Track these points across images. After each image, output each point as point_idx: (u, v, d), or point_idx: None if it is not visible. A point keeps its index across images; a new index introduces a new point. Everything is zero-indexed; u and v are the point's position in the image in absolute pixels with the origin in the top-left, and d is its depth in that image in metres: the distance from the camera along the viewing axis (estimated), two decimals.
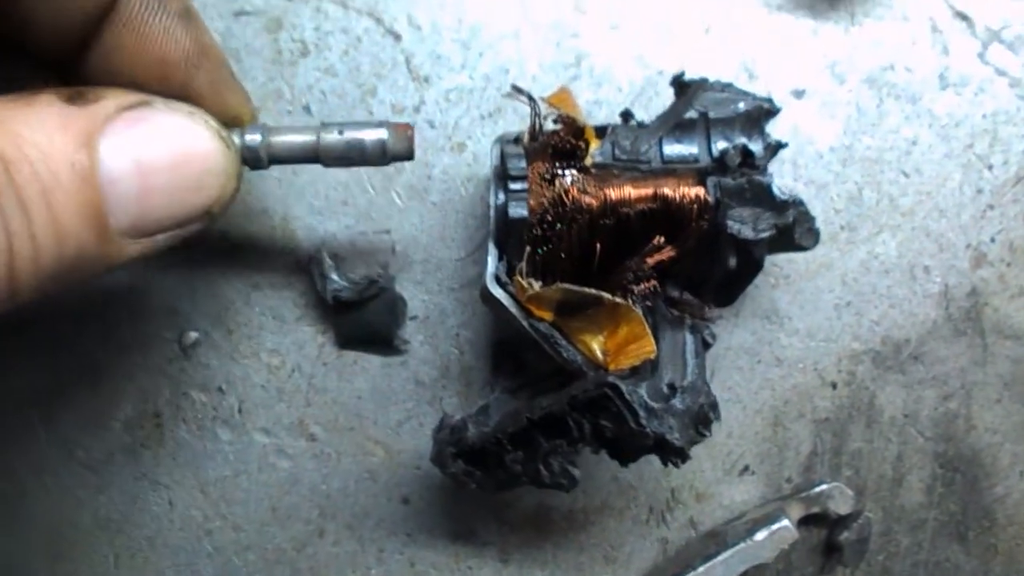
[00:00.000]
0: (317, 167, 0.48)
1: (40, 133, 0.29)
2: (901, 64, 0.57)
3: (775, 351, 0.57)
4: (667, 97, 0.53)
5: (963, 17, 0.57)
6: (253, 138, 0.41)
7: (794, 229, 0.46)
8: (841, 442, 0.57)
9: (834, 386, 0.57)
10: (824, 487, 0.56)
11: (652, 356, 0.44)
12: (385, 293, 0.53)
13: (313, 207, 0.55)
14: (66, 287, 0.31)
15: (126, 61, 0.37)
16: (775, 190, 0.46)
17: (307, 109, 0.55)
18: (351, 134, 0.43)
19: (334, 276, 0.53)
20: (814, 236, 0.47)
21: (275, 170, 0.53)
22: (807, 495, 0.56)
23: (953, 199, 0.57)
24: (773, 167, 0.52)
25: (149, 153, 0.32)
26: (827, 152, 0.57)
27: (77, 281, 0.32)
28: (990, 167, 0.57)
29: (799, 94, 0.57)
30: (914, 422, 0.57)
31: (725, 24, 0.56)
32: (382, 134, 0.43)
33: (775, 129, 0.54)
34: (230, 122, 0.41)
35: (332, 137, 0.42)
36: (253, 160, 0.42)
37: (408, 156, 0.44)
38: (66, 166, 0.29)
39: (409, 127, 0.44)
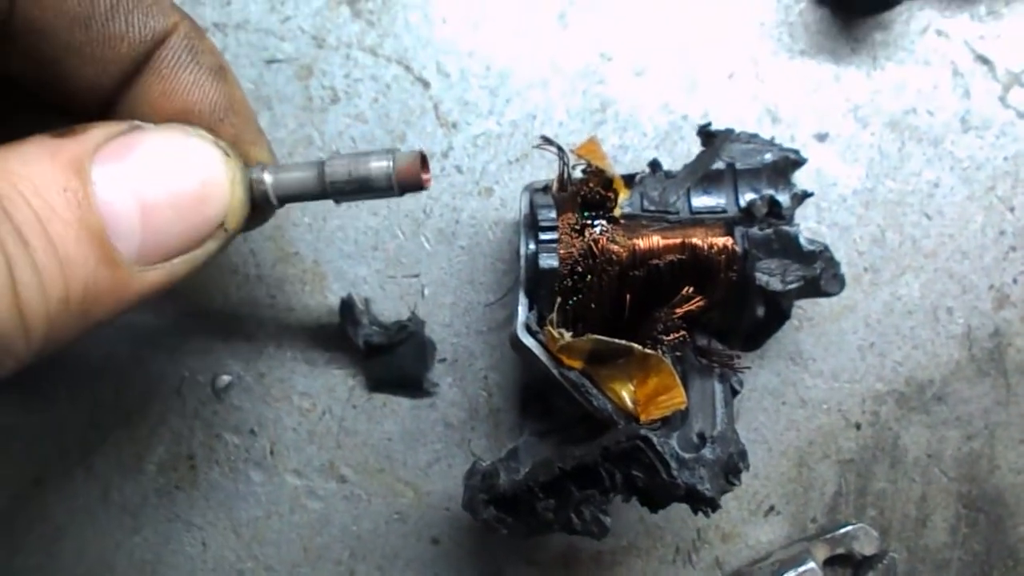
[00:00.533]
0: (347, 211, 0.49)
1: (31, 166, 0.29)
2: (923, 108, 0.58)
3: (800, 392, 0.57)
4: (691, 141, 0.55)
5: (984, 61, 0.58)
6: (258, 177, 0.38)
7: (820, 278, 0.47)
8: (866, 482, 0.58)
9: (858, 427, 0.58)
10: (849, 528, 0.56)
11: (682, 407, 0.45)
12: (414, 337, 0.54)
13: (343, 252, 0.56)
14: (89, 326, 0.31)
15: (152, 111, 0.37)
16: (802, 241, 0.46)
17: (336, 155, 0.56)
18: (355, 164, 0.39)
19: (365, 322, 0.54)
20: (839, 282, 0.48)
21: (306, 215, 0.55)
22: (832, 536, 0.56)
23: (975, 241, 0.58)
24: (797, 210, 0.53)
25: (143, 172, 0.32)
26: (850, 195, 0.57)
27: (98, 318, 0.31)
28: (1012, 209, 0.58)
29: (822, 138, 0.58)
30: (938, 462, 0.58)
31: (748, 70, 0.57)
32: (387, 162, 0.39)
33: (801, 173, 0.55)
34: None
35: (336, 168, 0.39)
36: (262, 200, 0.38)
37: (418, 186, 0.40)
38: (59, 194, 0.29)
39: (419, 154, 0.39)
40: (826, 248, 0.47)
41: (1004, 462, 0.58)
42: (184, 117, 0.37)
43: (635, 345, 0.45)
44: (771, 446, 0.57)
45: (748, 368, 0.50)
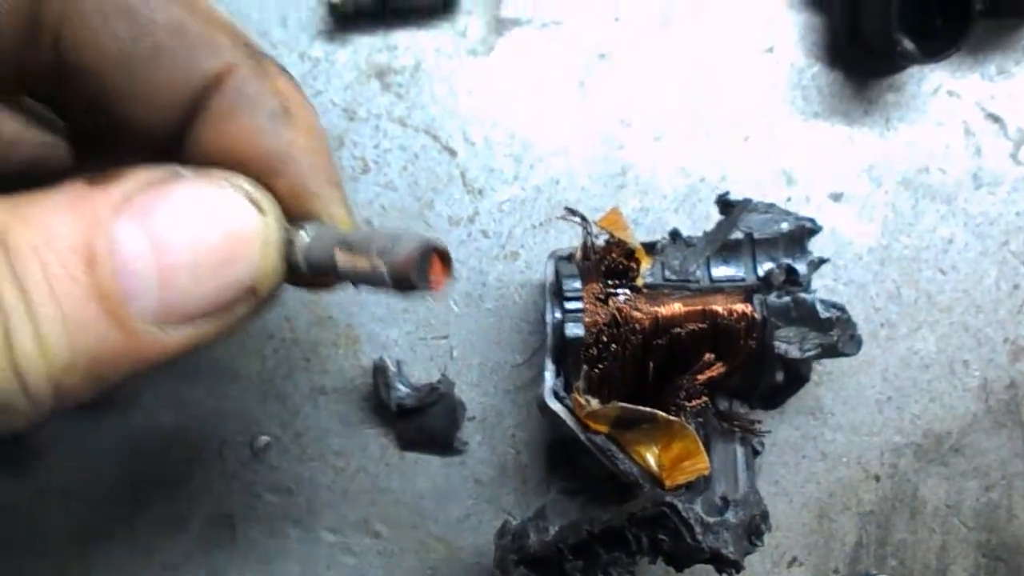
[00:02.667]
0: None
1: (51, 216, 0.27)
2: (936, 166, 0.60)
3: (820, 446, 0.60)
4: (709, 203, 0.57)
5: (995, 119, 0.61)
6: (294, 239, 0.33)
7: (837, 343, 0.49)
8: (886, 533, 0.60)
9: (878, 479, 0.60)
10: None
11: (706, 473, 0.48)
12: (445, 398, 0.57)
13: (375, 315, 0.59)
14: (105, 386, 0.29)
15: (207, 158, 0.34)
16: (819, 308, 0.49)
17: (368, 223, 0.59)
18: (362, 262, 0.31)
19: (398, 385, 0.57)
20: (856, 344, 0.50)
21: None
22: None
23: (990, 295, 0.60)
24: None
25: (165, 227, 0.29)
26: (866, 253, 0.60)
27: (115, 379, 0.29)
28: None
29: (837, 197, 0.60)
30: (957, 513, 0.60)
31: (764, 132, 0.60)
32: (382, 268, 0.30)
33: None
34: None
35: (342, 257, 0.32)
36: (295, 265, 0.33)
37: (411, 286, 0.30)
38: (72, 250, 0.27)
39: (425, 249, 0.30)
40: (843, 312, 0.49)
41: (1022, 512, 0.60)
42: (236, 167, 0.34)
43: (659, 412, 0.48)
44: (792, 498, 0.60)
45: (768, 432, 0.52)
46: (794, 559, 0.60)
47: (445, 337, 0.59)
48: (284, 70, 0.36)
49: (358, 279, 0.32)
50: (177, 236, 0.29)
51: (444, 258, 0.31)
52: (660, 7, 0.60)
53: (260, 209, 0.31)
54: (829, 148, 0.60)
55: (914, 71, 0.60)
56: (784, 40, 0.60)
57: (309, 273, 0.33)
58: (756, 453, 0.52)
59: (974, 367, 0.60)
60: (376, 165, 0.59)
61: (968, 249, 0.60)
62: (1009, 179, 0.60)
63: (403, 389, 0.57)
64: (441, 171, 0.59)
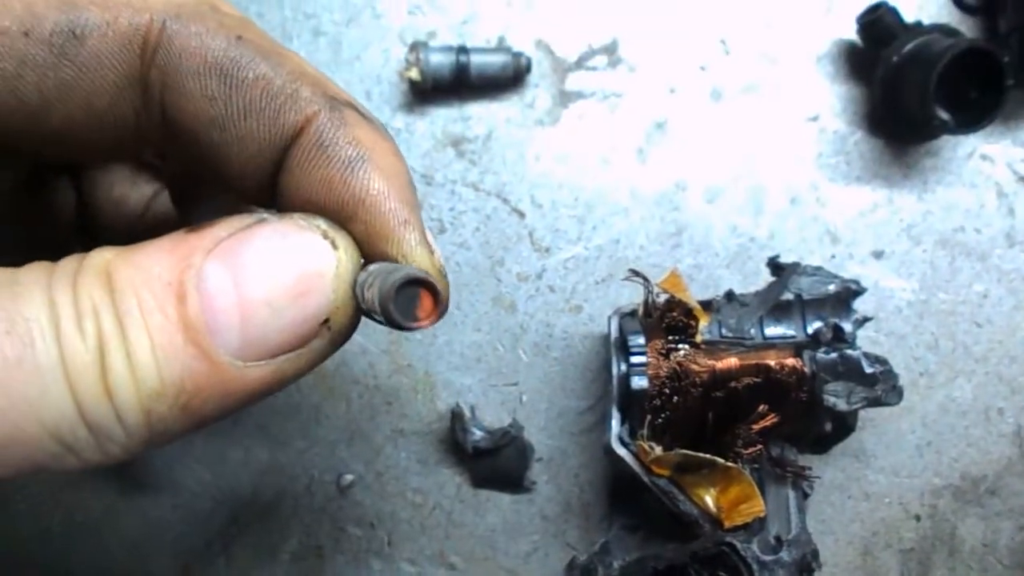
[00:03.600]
0: (453, 328, 0.58)
1: (151, 258, 0.30)
2: (971, 226, 0.65)
3: (863, 487, 0.65)
4: (759, 260, 0.63)
5: None
6: (362, 277, 0.33)
7: (881, 396, 0.54)
8: (926, 570, 0.64)
9: (918, 518, 0.65)
10: None
11: (762, 515, 0.53)
12: (516, 441, 0.63)
13: (451, 364, 0.65)
14: (197, 421, 0.31)
15: (292, 205, 0.36)
16: (864, 364, 0.54)
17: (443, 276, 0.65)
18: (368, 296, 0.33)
19: (473, 429, 0.62)
20: (898, 394, 0.55)
21: (417, 332, 0.64)
22: None
23: (1023, 346, 0.65)
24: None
25: (246, 265, 0.31)
26: (905, 306, 0.65)
27: (205, 413, 0.31)
28: None
29: (878, 255, 0.65)
30: (993, 551, 0.65)
31: (809, 195, 0.65)
32: (375, 302, 0.32)
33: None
34: None
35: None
36: (362, 301, 0.33)
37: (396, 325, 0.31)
38: (163, 287, 0.30)
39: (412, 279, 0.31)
40: (886, 365, 0.54)
41: None
42: (318, 213, 0.35)
43: (718, 459, 0.53)
44: (838, 536, 0.65)
45: (818, 478, 0.57)
46: None
47: (515, 384, 0.65)
48: (367, 116, 0.37)
49: (369, 315, 0.33)
50: (256, 273, 0.31)
51: (432, 292, 0.31)
52: (712, 80, 0.66)
53: (334, 245, 0.33)
54: (871, 209, 0.65)
55: (949, 137, 0.65)
56: (827, 110, 0.66)
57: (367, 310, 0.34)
58: (806, 496, 0.57)
59: (1008, 414, 0.65)
60: (452, 226, 0.65)
61: (1002, 303, 0.65)
62: None
63: (478, 432, 0.62)
64: (511, 231, 0.65)
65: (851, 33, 0.65)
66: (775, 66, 0.66)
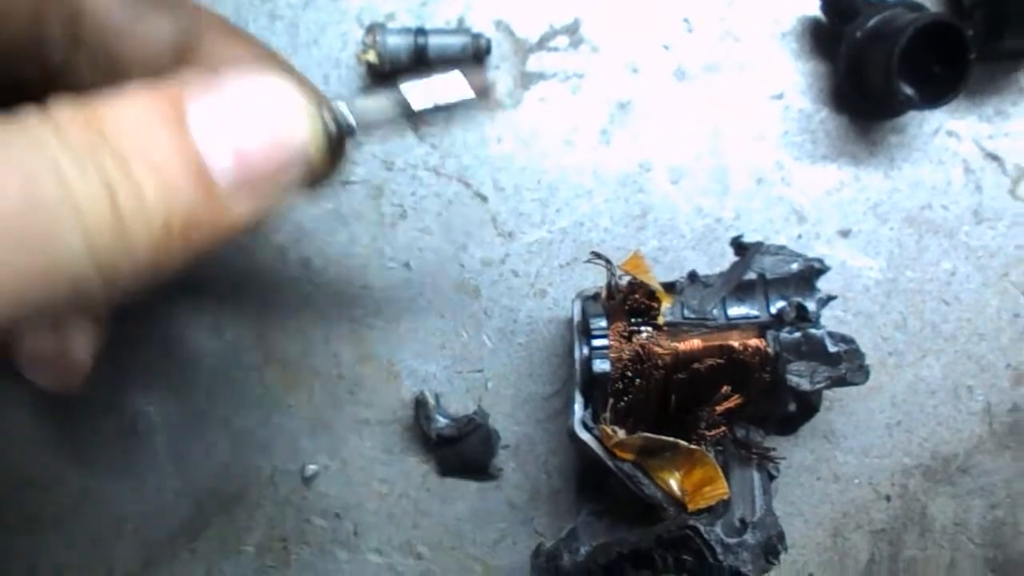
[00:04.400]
0: (416, 316, 0.57)
1: (133, 104, 0.31)
2: (938, 203, 0.65)
3: (833, 468, 0.64)
4: (725, 241, 0.62)
5: (993, 158, 0.65)
6: (335, 106, 0.40)
7: (846, 376, 0.54)
8: (897, 551, 0.64)
9: (888, 499, 0.64)
10: None
11: (725, 497, 0.53)
12: (481, 428, 0.62)
13: (415, 351, 0.64)
14: (189, 256, 0.32)
15: (102, 64, 0.40)
16: (828, 343, 0.54)
17: (407, 266, 0.64)
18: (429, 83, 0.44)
19: (437, 416, 0.62)
20: (864, 374, 0.55)
21: (380, 319, 0.63)
22: None
23: (992, 324, 0.64)
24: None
25: (231, 105, 0.33)
26: (873, 285, 0.65)
27: (198, 247, 0.33)
28: None
29: (845, 233, 0.65)
30: (964, 530, 0.64)
31: (775, 175, 0.65)
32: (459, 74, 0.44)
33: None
34: None
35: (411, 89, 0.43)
36: (345, 127, 0.40)
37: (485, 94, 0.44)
38: (160, 125, 0.31)
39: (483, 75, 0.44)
40: (851, 345, 0.54)
41: None
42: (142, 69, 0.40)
43: (681, 441, 0.53)
44: (807, 518, 0.64)
45: (783, 458, 0.57)
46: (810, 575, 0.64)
47: (480, 371, 0.64)
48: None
49: (439, 106, 0.43)
50: (242, 112, 0.33)
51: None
52: (675, 59, 0.65)
53: (292, 78, 0.36)
54: (837, 188, 0.65)
55: (915, 114, 0.65)
56: (792, 87, 0.65)
57: (358, 132, 0.41)
58: (772, 477, 0.56)
59: (978, 392, 0.64)
60: (413, 212, 0.64)
61: (970, 281, 0.64)
62: (1008, 214, 0.65)
63: (442, 420, 0.62)
64: (473, 216, 0.64)
65: (815, 9, 0.65)
66: (739, 44, 0.65)
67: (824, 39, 0.65)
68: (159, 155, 0.30)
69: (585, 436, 0.55)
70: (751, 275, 0.56)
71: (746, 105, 0.65)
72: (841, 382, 0.54)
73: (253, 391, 0.64)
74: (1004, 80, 0.66)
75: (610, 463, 0.55)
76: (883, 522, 0.64)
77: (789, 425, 0.57)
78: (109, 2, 0.40)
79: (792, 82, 0.65)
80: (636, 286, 0.56)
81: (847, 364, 0.53)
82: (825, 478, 0.64)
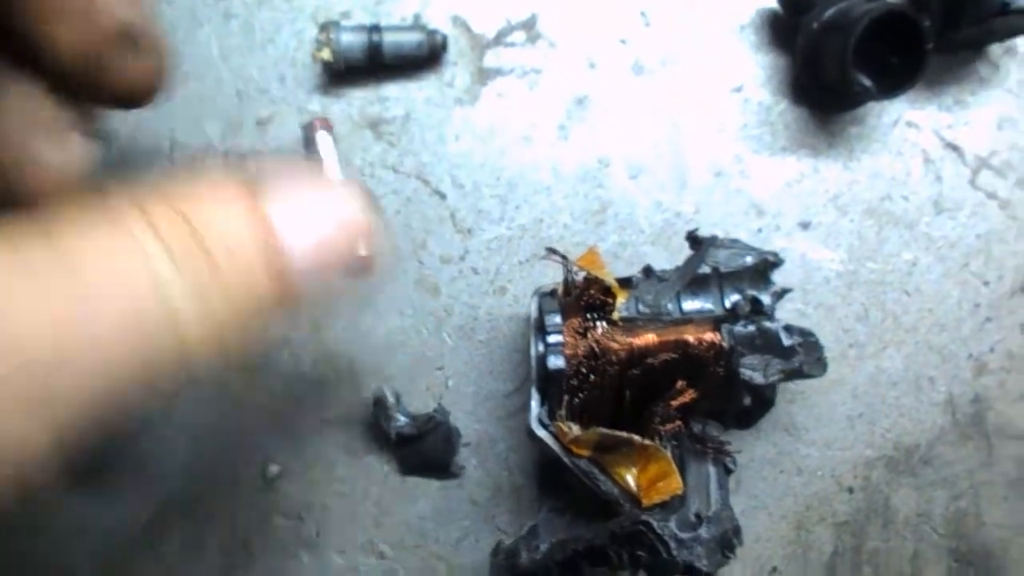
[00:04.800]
0: (376, 314, 0.57)
1: (216, 191, 0.31)
2: (898, 194, 0.65)
3: (796, 461, 0.64)
4: (684, 236, 0.62)
5: (953, 148, 0.65)
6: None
7: (802, 369, 0.54)
8: (860, 542, 0.64)
9: (851, 491, 0.64)
10: None
11: (679, 492, 0.53)
12: (441, 426, 0.62)
13: (375, 349, 0.64)
14: (251, 338, 0.33)
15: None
16: (782, 336, 0.53)
17: None
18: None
19: (397, 415, 0.61)
20: (822, 366, 0.55)
21: (340, 318, 0.63)
22: None
23: (953, 314, 0.64)
24: (787, 295, 0.61)
25: (309, 203, 0.34)
26: (834, 277, 0.64)
27: (253, 335, 0.33)
28: (986, 283, 0.64)
29: (805, 226, 0.65)
30: (928, 521, 0.64)
31: (734, 168, 0.65)
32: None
33: (787, 258, 0.63)
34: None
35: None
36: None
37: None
38: (242, 215, 0.31)
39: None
40: (808, 337, 0.54)
41: (990, 518, 0.64)
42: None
43: (635, 437, 0.53)
44: (771, 511, 0.64)
45: (739, 452, 0.56)
46: (774, 568, 0.64)
47: (440, 368, 0.64)
48: None
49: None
50: (311, 215, 0.33)
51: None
52: (633, 53, 0.65)
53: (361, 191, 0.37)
54: (796, 180, 0.65)
55: (875, 105, 0.65)
56: (751, 80, 0.65)
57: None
58: (728, 471, 0.56)
59: (940, 383, 0.64)
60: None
61: (931, 271, 0.64)
62: (968, 204, 0.65)
63: (402, 419, 0.62)
64: (432, 213, 0.64)
65: (773, 1, 0.65)
66: (697, 37, 0.65)
67: (782, 31, 0.65)
68: (245, 251, 0.31)
69: (542, 433, 0.55)
70: (705, 269, 0.56)
71: (704, 99, 0.65)
72: (797, 375, 0.54)
73: (213, 392, 0.63)
74: (963, 70, 0.66)
75: (567, 460, 0.55)
76: (846, 514, 0.64)
77: (746, 419, 0.57)
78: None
79: (751, 75, 0.65)
80: (591, 282, 0.56)
81: (803, 357, 0.53)
82: (788, 471, 0.64)
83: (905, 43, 0.60)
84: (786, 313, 0.64)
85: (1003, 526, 0.64)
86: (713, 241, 0.57)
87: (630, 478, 0.54)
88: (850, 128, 0.65)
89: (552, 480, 0.63)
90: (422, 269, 0.64)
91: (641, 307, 0.56)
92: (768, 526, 0.64)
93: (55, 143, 0.44)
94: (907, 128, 0.65)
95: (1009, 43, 0.65)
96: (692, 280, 0.56)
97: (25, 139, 0.43)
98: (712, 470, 0.56)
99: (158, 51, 0.39)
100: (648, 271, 0.58)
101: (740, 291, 0.56)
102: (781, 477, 0.64)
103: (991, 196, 0.65)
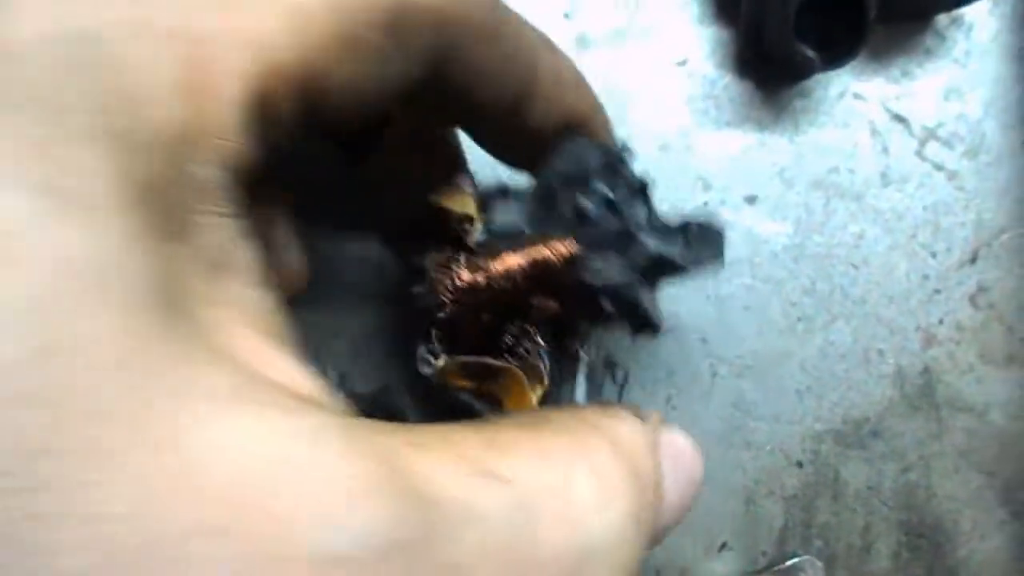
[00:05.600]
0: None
1: (626, 428, 0.31)
2: (844, 166, 0.65)
3: (744, 436, 0.64)
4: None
5: (900, 119, 0.65)
6: None
7: (676, 261, 0.47)
8: (810, 516, 0.64)
9: (800, 465, 0.64)
10: (796, 560, 0.63)
11: (533, 406, 0.52)
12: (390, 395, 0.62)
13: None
14: None
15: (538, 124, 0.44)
16: (642, 236, 0.49)
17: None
18: None
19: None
20: (712, 258, 0.47)
21: None
22: (781, 567, 0.63)
23: (901, 286, 0.64)
24: (731, 267, 0.61)
25: (684, 458, 0.35)
26: (781, 251, 0.64)
27: None
28: (934, 255, 0.64)
29: (751, 200, 0.64)
30: (877, 493, 0.64)
31: (679, 142, 0.64)
32: None
33: (735, 232, 0.63)
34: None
35: None
36: None
37: None
38: (647, 465, 0.30)
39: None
40: (697, 228, 0.48)
41: (940, 490, 0.64)
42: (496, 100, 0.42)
43: (488, 359, 0.52)
44: (720, 486, 0.64)
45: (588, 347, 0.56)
46: (724, 544, 0.64)
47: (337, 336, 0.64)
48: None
49: None
50: (684, 473, 0.35)
51: None
52: (577, 28, 0.65)
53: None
54: (742, 154, 0.64)
55: (820, 77, 0.65)
56: (695, 53, 0.65)
57: None
58: (579, 360, 0.56)
59: (888, 355, 0.64)
60: None
61: (878, 243, 0.64)
62: (915, 176, 0.65)
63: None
64: None
65: None
66: (641, 10, 0.65)
67: (725, 3, 0.65)
68: (648, 498, 0.30)
69: (426, 371, 0.54)
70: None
71: (650, 72, 0.65)
72: (671, 268, 0.48)
73: None
74: (909, 41, 0.65)
75: (451, 394, 0.54)
76: (795, 488, 0.64)
77: (637, 328, 0.53)
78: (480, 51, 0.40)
79: (696, 47, 0.65)
80: (445, 212, 0.54)
81: (682, 249, 0.47)
82: (736, 446, 0.64)
83: (848, 13, 0.60)
84: (734, 287, 0.64)
85: (953, 498, 0.64)
86: (558, 146, 0.50)
87: (507, 401, 0.54)
88: (796, 101, 0.65)
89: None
90: None
91: (496, 228, 0.54)
92: (717, 501, 0.64)
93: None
94: (853, 100, 0.65)
95: (955, 13, 0.65)
96: (544, 194, 0.53)
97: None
98: (582, 382, 0.55)
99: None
100: (503, 191, 0.55)
101: (595, 191, 0.52)
102: (730, 452, 0.64)
103: (938, 168, 0.65)
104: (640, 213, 0.50)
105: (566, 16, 0.65)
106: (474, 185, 0.54)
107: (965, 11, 0.65)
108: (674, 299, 0.63)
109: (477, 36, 0.38)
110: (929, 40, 0.66)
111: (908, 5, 0.63)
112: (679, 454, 0.35)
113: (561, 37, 0.62)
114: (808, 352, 0.64)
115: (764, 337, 0.64)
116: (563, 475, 0.25)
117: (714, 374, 0.64)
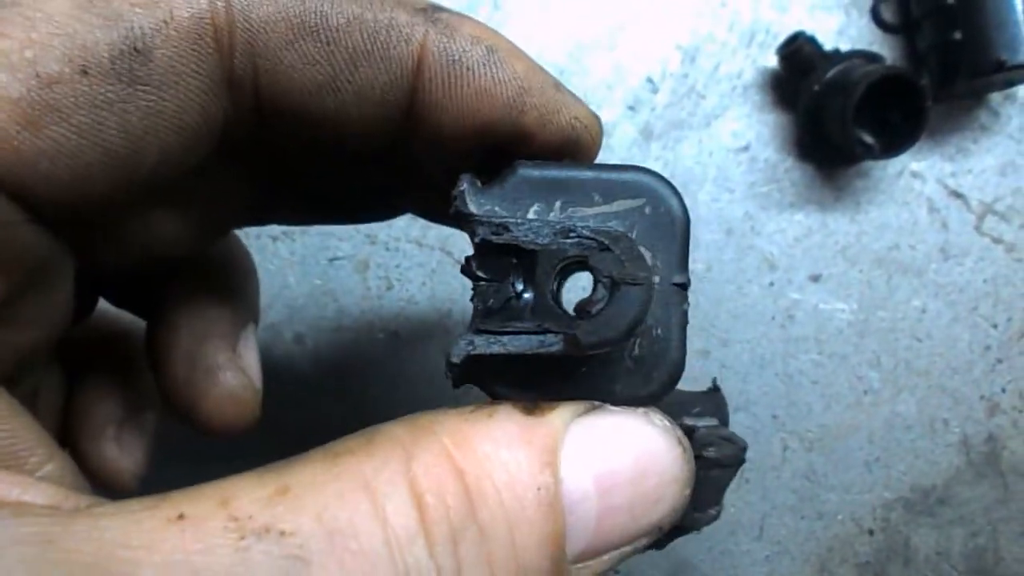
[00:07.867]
0: (408, 386, 0.61)
1: (505, 452, 0.26)
2: (905, 243, 0.67)
3: (816, 506, 0.67)
4: (698, 292, 0.65)
5: (957, 195, 0.67)
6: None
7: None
8: None
9: (871, 532, 0.67)
10: None
11: None
12: None
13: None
14: None
15: (440, 143, 0.33)
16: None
17: (395, 334, 0.68)
18: None
19: None
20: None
21: (375, 388, 0.66)
22: None
23: (964, 357, 0.67)
24: (798, 343, 0.64)
25: (609, 467, 0.28)
26: (846, 327, 0.67)
27: None
28: (995, 326, 0.67)
29: (816, 278, 0.68)
30: (947, 558, 0.67)
31: (744, 225, 0.68)
32: None
33: (800, 311, 0.65)
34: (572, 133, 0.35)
35: None
36: None
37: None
38: (532, 491, 0.26)
39: None
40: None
41: (1008, 554, 0.67)
42: (481, 137, 0.33)
43: None
44: (794, 556, 0.67)
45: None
46: None
47: None
48: (461, 15, 0.34)
49: None
50: (619, 474, 0.28)
51: None
52: (642, 120, 0.68)
53: (681, 443, 0.31)
54: (805, 234, 0.68)
55: None
56: (757, 139, 0.68)
57: None
58: None
59: (953, 424, 0.67)
60: (398, 282, 0.68)
61: (940, 317, 0.67)
62: (975, 249, 0.67)
63: None
64: (456, 283, 0.68)
65: (775, 62, 0.67)
66: (703, 100, 0.68)
67: (786, 90, 0.68)
68: (523, 533, 0.26)
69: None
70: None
71: (713, 159, 0.68)
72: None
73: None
74: (964, 118, 0.68)
75: None
76: (867, 555, 0.67)
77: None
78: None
79: (757, 134, 0.68)
80: None
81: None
82: (809, 516, 0.67)
83: (905, 101, 0.63)
84: (802, 363, 0.67)
85: (1021, 560, 0.67)
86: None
87: None
88: (855, 181, 0.68)
89: None
90: (448, 338, 0.67)
91: None
92: (792, 570, 0.67)
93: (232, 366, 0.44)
94: (911, 178, 0.68)
95: (1008, 90, 0.67)
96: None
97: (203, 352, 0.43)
98: None
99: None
100: None
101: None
102: (803, 523, 0.67)
103: (997, 241, 0.67)
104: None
105: (630, 108, 0.68)
106: None
107: (1019, 88, 0.68)
108: (745, 378, 0.66)
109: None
110: (984, 117, 0.68)
111: (959, 90, 0.65)
112: (609, 441, 0.29)
113: (626, 129, 0.66)
114: (875, 424, 0.67)
115: (832, 411, 0.67)
116: (364, 512, 0.23)
117: (785, 448, 0.67)
